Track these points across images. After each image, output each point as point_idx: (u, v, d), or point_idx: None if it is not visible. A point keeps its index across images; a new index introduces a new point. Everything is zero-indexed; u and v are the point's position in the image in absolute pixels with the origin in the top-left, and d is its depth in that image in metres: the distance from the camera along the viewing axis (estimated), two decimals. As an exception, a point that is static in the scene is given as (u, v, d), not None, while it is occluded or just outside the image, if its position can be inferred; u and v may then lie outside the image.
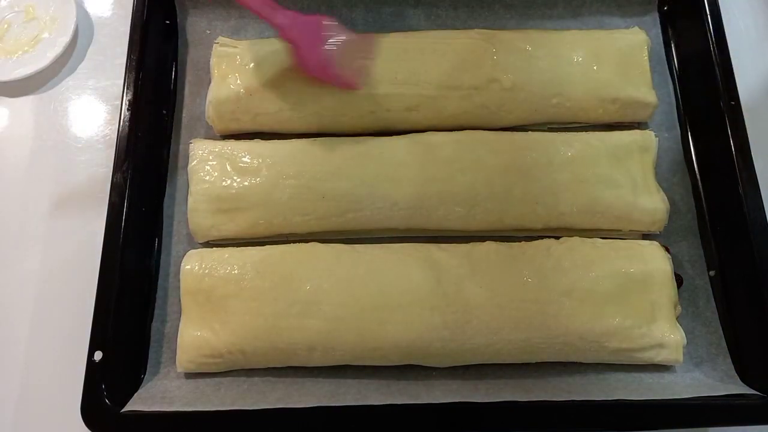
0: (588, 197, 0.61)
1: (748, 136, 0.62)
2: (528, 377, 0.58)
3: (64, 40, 0.72)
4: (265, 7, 0.58)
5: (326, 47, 0.60)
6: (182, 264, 0.60)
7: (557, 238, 0.61)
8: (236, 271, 0.59)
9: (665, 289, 0.58)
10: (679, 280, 0.61)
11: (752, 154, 0.61)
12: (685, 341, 0.58)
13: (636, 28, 0.69)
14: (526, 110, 0.66)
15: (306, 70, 0.61)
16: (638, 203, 0.62)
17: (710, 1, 0.67)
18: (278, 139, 0.65)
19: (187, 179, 0.64)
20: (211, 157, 0.63)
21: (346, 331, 0.57)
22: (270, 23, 0.59)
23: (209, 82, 0.67)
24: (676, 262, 0.62)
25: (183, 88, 0.70)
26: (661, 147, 0.66)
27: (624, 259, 0.59)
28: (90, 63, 0.74)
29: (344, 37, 0.61)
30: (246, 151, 0.63)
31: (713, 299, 0.62)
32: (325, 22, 0.60)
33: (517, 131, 0.65)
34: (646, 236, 0.64)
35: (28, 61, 0.72)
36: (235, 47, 0.67)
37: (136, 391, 0.57)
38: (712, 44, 0.65)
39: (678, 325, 0.59)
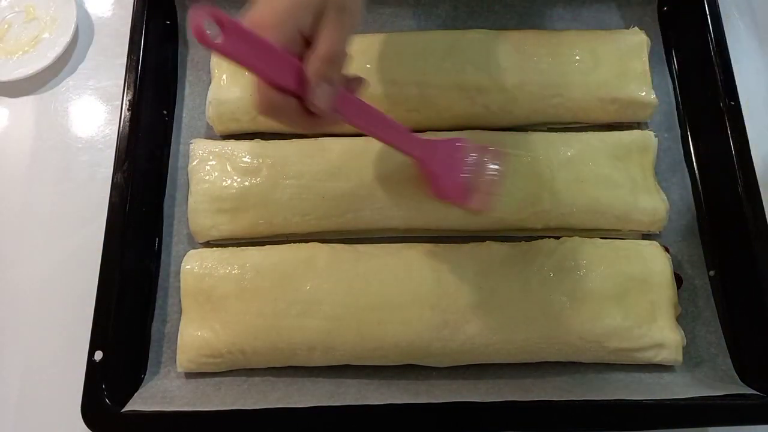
0: (588, 197, 0.61)
1: (748, 136, 0.62)
2: (528, 377, 0.58)
3: (65, 40, 0.72)
4: (401, 140, 0.54)
5: (464, 174, 0.57)
6: (182, 264, 0.60)
7: (557, 238, 0.61)
8: (236, 271, 0.59)
9: (665, 289, 0.58)
10: (678, 280, 0.61)
11: (752, 154, 0.61)
12: (685, 341, 0.58)
13: (636, 29, 0.69)
14: (526, 110, 0.66)
15: (443, 198, 0.58)
16: (638, 203, 0.62)
17: (710, 2, 0.67)
18: (278, 139, 0.65)
19: (188, 179, 0.64)
20: (211, 157, 0.63)
21: (346, 331, 0.57)
22: (409, 155, 0.55)
23: (209, 82, 0.67)
24: (676, 262, 0.62)
25: (183, 88, 0.70)
26: (661, 147, 0.66)
27: (624, 259, 0.59)
28: (90, 63, 0.74)
29: (477, 157, 0.58)
30: (246, 151, 0.63)
31: (713, 299, 0.62)
32: (459, 144, 0.58)
33: (517, 131, 0.65)
34: (645, 236, 0.64)
35: (29, 61, 0.72)
36: (236, 47, 0.67)
37: (136, 391, 0.57)
38: (712, 44, 0.65)
39: (678, 325, 0.59)
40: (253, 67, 0.41)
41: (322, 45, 0.43)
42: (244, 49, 0.40)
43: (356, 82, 0.50)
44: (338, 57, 0.45)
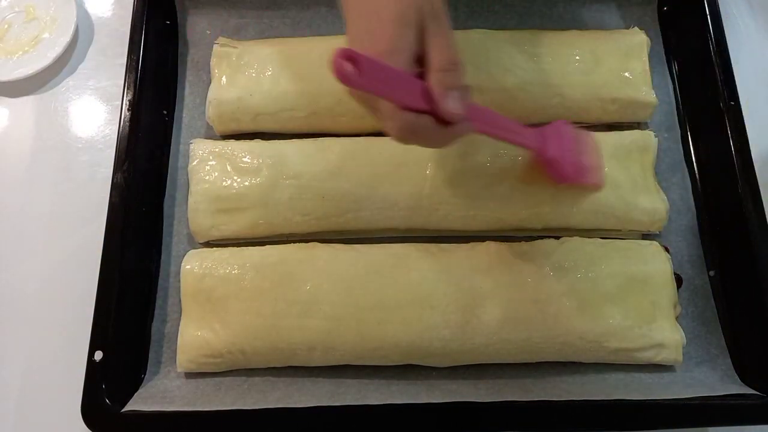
0: (588, 197, 0.61)
1: (748, 136, 0.62)
2: (528, 377, 0.58)
3: (65, 40, 0.72)
4: (518, 135, 0.56)
5: (576, 154, 0.59)
6: (182, 264, 0.60)
7: (557, 238, 0.61)
8: (236, 271, 0.59)
9: (665, 289, 0.58)
10: (678, 280, 0.61)
11: (752, 154, 0.61)
12: (685, 341, 0.58)
13: (636, 29, 0.69)
14: (526, 110, 0.66)
15: (565, 181, 0.59)
16: (638, 203, 0.62)
17: (710, 1, 0.67)
18: (278, 139, 0.65)
19: (188, 179, 0.64)
20: (211, 157, 0.63)
21: (346, 331, 0.57)
22: (526, 148, 0.57)
23: (209, 82, 0.67)
24: (676, 262, 0.62)
25: (183, 88, 0.70)
26: (661, 147, 0.66)
27: (624, 259, 0.59)
28: (90, 63, 0.74)
29: (577, 136, 0.60)
30: (246, 151, 0.63)
31: (713, 299, 0.62)
32: (563, 127, 0.59)
33: (517, 131, 0.65)
34: (645, 236, 0.64)
35: (29, 61, 0.72)
36: (235, 47, 0.67)
37: (136, 391, 0.57)
38: (712, 44, 0.65)
39: (678, 325, 0.59)
40: (389, 94, 0.43)
41: (437, 56, 0.44)
42: (379, 80, 0.42)
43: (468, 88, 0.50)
44: (455, 63, 0.45)
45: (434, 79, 0.44)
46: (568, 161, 0.58)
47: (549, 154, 0.57)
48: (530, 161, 0.61)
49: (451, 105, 0.44)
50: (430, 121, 0.45)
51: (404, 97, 0.43)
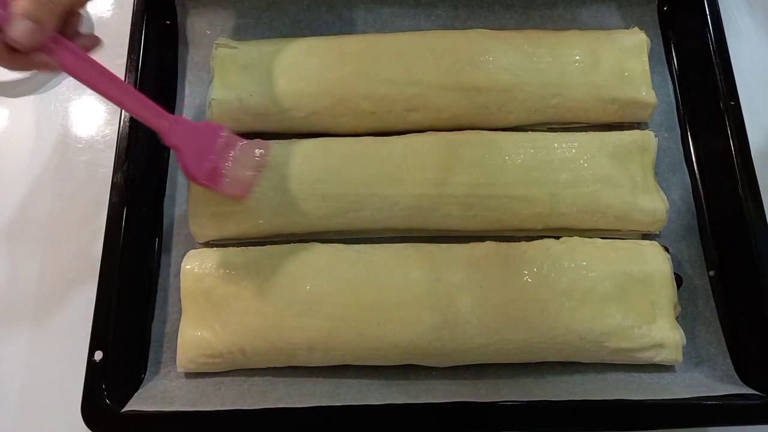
0: (588, 197, 0.61)
1: (748, 136, 0.62)
2: (528, 377, 0.58)
3: (65, 40, 0.72)
4: (147, 112, 0.54)
5: (216, 158, 0.57)
6: (182, 264, 0.60)
7: (557, 238, 0.61)
8: (236, 271, 0.59)
9: (665, 289, 0.58)
10: (678, 280, 0.61)
11: (752, 154, 0.61)
12: (685, 341, 0.58)
13: (636, 29, 0.69)
14: (526, 110, 0.66)
15: (190, 178, 0.58)
16: (638, 203, 0.62)
17: (710, 1, 0.67)
18: (278, 139, 0.65)
19: (188, 179, 0.64)
20: (211, 157, 0.63)
21: (346, 331, 0.57)
22: (153, 128, 0.55)
23: (209, 82, 0.67)
24: (676, 262, 0.62)
25: (183, 88, 0.70)
26: (661, 147, 0.66)
27: (624, 259, 0.59)
28: (90, 63, 0.74)
29: (238, 147, 0.59)
30: (246, 151, 0.63)
31: (713, 299, 0.62)
32: (220, 131, 0.58)
33: (517, 131, 0.65)
34: (645, 236, 0.64)
35: (29, 61, 0.72)
36: (235, 47, 0.67)
37: (136, 391, 0.57)
38: (712, 44, 0.65)
39: (678, 325, 0.59)
40: None
41: None
42: None
43: (89, 39, 0.52)
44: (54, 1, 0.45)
45: (18, 3, 0.44)
46: (195, 159, 0.56)
47: (171, 142, 0.55)
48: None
49: (15, 31, 0.44)
50: None
51: None
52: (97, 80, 0.52)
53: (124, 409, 0.54)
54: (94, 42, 0.54)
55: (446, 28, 0.71)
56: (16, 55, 0.46)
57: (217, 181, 0.57)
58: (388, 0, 0.73)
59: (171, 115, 0.56)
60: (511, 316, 0.57)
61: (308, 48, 0.67)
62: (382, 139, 0.64)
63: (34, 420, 0.61)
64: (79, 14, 0.51)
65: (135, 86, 0.64)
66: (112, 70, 0.72)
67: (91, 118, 0.72)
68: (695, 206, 0.66)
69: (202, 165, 0.56)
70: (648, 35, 0.68)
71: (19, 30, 0.44)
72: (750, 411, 0.54)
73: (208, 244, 0.64)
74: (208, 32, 0.72)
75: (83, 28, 0.52)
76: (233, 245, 0.62)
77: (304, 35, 0.71)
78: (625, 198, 0.62)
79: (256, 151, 0.60)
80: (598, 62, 0.66)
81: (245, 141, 0.60)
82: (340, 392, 0.57)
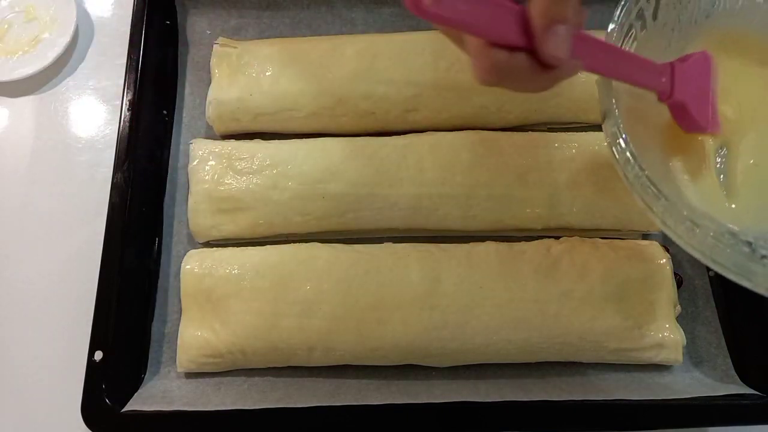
0: (587, 197, 0.61)
1: (748, 136, 0.62)
2: (528, 377, 0.58)
3: (65, 40, 0.72)
4: (644, 74, 0.45)
5: (711, 95, 0.48)
6: (182, 264, 0.60)
7: (557, 238, 0.61)
8: (236, 271, 0.59)
9: (665, 289, 0.58)
10: (678, 280, 0.61)
11: (752, 154, 0.61)
12: (685, 341, 0.58)
13: (636, 29, 0.69)
14: (526, 110, 0.66)
15: (694, 131, 0.49)
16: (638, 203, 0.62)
17: None
18: (278, 139, 0.65)
19: (188, 179, 0.64)
20: (211, 157, 0.63)
21: (345, 331, 0.57)
22: (647, 89, 0.46)
23: (209, 82, 0.67)
24: (676, 262, 0.62)
25: (183, 88, 0.70)
26: (661, 147, 0.66)
27: (624, 259, 0.59)
28: (90, 63, 0.74)
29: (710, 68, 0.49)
30: (246, 151, 0.63)
31: (713, 299, 0.62)
32: (707, 61, 0.48)
33: (517, 131, 0.65)
34: (645, 236, 0.64)
35: (29, 62, 0.72)
36: (235, 47, 0.67)
37: (136, 391, 0.57)
38: (712, 44, 0.65)
39: (678, 325, 0.59)
40: (474, 27, 0.34)
41: None
42: (462, 9, 0.33)
43: (581, 11, 0.38)
44: None
45: (536, 8, 0.34)
46: (700, 109, 0.47)
47: (675, 98, 0.46)
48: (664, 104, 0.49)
49: (553, 46, 0.35)
50: (525, 60, 0.35)
51: (494, 30, 0.34)
52: (606, 61, 0.42)
53: (124, 409, 0.54)
54: (584, 14, 0.39)
55: (446, 28, 0.71)
56: (550, 74, 0.37)
57: (715, 123, 0.48)
58: (388, 0, 0.73)
59: (671, 66, 0.46)
60: (511, 316, 0.57)
61: (308, 48, 0.67)
62: (381, 139, 0.64)
63: (34, 420, 0.61)
64: None
65: (135, 86, 0.64)
66: (111, 71, 0.73)
67: (91, 118, 0.72)
68: (695, 206, 0.66)
69: (706, 110, 0.47)
70: (648, 35, 0.68)
71: (556, 40, 0.35)
72: (750, 411, 0.54)
73: (208, 244, 0.64)
74: (208, 32, 0.72)
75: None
76: (233, 245, 0.62)
77: (304, 35, 0.72)
78: (624, 198, 0.62)
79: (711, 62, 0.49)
80: (598, 62, 0.66)
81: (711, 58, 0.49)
82: (340, 392, 0.57)
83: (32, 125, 0.71)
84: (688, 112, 0.47)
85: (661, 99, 0.47)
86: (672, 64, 0.47)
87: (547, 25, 0.34)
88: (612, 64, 0.43)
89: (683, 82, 0.46)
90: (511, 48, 0.35)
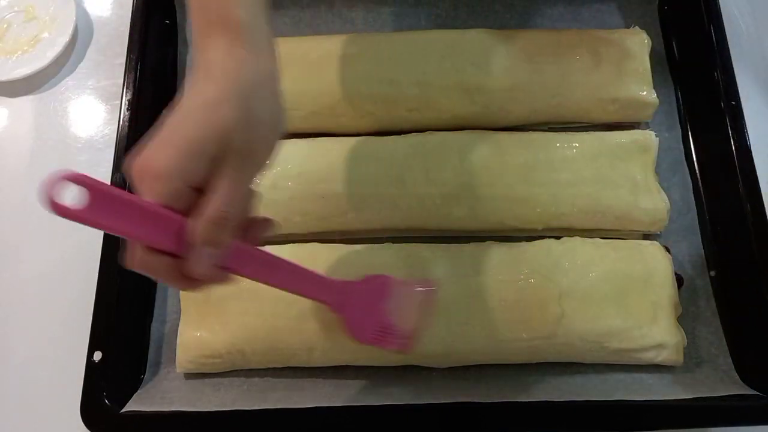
0: (588, 197, 0.61)
1: (748, 136, 0.62)
2: (528, 377, 0.58)
3: (64, 39, 0.72)
4: (309, 287, 0.50)
5: (382, 316, 0.54)
6: (182, 264, 0.60)
7: (558, 238, 0.61)
8: (236, 271, 0.59)
9: (666, 290, 0.58)
10: (679, 281, 0.60)
11: (752, 154, 0.61)
12: (686, 341, 0.58)
13: (636, 28, 0.69)
14: (526, 110, 0.66)
15: (355, 340, 0.55)
16: (639, 203, 0.62)
17: (710, 1, 0.67)
18: (278, 139, 0.65)
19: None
20: (210, 157, 0.63)
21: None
22: (318, 302, 0.52)
23: (209, 82, 0.67)
24: (677, 262, 0.62)
25: (183, 88, 0.70)
26: (662, 147, 0.66)
27: (624, 260, 0.59)
28: (90, 63, 0.74)
29: (402, 295, 0.55)
30: (246, 151, 0.63)
31: (714, 299, 0.62)
32: (381, 284, 0.55)
33: (517, 131, 0.65)
34: (646, 236, 0.64)
35: (28, 61, 0.72)
36: (235, 47, 0.67)
37: (135, 391, 0.57)
38: (713, 44, 0.65)
39: (678, 325, 0.58)
40: (121, 231, 0.36)
41: (213, 204, 0.37)
42: (111, 213, 0.35)
43: (261, 225, 0.43)
44: (232, 216, 0.38)
45: (195, 228, 0.37)
46: (363, 324, 0.54)
47: (340, 313, 0.53)
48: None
49: (196, 264, 0.37)
50: (169, 265, 0.38)
51: (146, 235, 0.36)
52: (268, 274, 0.46)
53: (124, 410, 0.54)
54: (266, 226, 0.44)
55: (446, 28, 0.71)
56: (193, 281, 0.39)
57: (384, 339, 0.54)
58: (388, 0, 0.73)
59: (337, 283, 0.53)
60: (511, 316, 0.57)
61: (308, 48, 0.67)
62: (382, 139, 0.64)
63: (34, 420, 0.60)
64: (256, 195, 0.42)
65: (134, 86, 0.63)
66: (111, 70, 0.73)
67: (91, 118, 0.72)
68: (696, 206, 0.66)
69: (366, 326, 0.54)
70: (649, 35, 0.68)
71: (203, 261, 0.37)
72: (750, 411, 0.54)
73: (208, 244, 0.63)
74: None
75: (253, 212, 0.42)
76: (233, 245, 0.62)
77: (304, 35, 0.71)
78: (625, 198, 0.62)
79: (418, 290, 0.56)
80: (598, 62, 0.66)
81: (407, 282, 0.56)
82: (339, 393, 0.57)
83: (31, 125, 0.71)
84: (349, 327, 0.54)
85: (331, 310, 0.53)
86: (345, 283, 0.53)
87: (197, 244, 0.37)
88: (278, 276, 0.47)
89: (352, 300, 0.53)
90: (162, 251, 0.37)
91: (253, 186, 0.41)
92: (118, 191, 0.35)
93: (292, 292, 0.49)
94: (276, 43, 0.44)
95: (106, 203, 0.34)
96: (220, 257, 0.38)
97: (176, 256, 0.38)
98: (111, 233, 0.37)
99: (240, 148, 0.38)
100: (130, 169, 0.36)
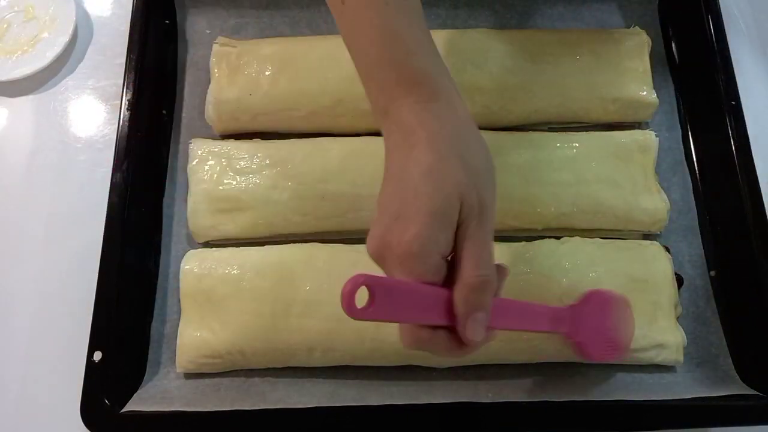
0: (588, 197, 0.61)
1: (749, 136, 0.62)
2: (528, 377, 0.58)
3: (64, 39, 0.72)
4: (548, 322, 0.49)
5: (609, 332, 0.54)
6: (182, 264, 0.60)
7: (558, 238, 0.61)
8: (236, 272, 0.59)
9: (666, 290, 0.58)
10: (679, 281, 0.61)
11: (752, 154, 0.61)
12: (686, 341, 0.58)
13: (636, 28, 0.69)
14: (527, 110, 0.66)
15: (590, 359, 0.54)
16: (639, 203, 0.62)
17: (711, 1, 0.67)
18: (278, 139, 0.65)
19: (187, 179, 0.64)
20: (210, 157, 0.63)
21: (345, 332, 0.57)
22: (551, 333, 0.51)
23: (209, 82, 0.67)
24: (677, 262, 0.62)
25: (183, 88, 0.70)
26: (662, 147, 0.66)
27: (624, 260, 0.59)
28: (89, 63, 0.74)
29: (618, 310, 0.55)
30: (246, 151, 0.63)
31: (714, 299, 0.62)
32: (601, 298, 0.54)
33: (518, 131, 0.65)
34: (646, 236, 0.64)
35: (28, 61, 0.72)
36: (235, 47, 0.67)
37: (135, 391, 0.57)
38: (713, 44, 0.65)
39: (678, 325, 0.58)
40: (404, 318, 0.37)
41: (470, 268, 0.37)
42: (395, 305, 0.36)
43: (501, 273, 0.42)
44: (488, 280, 0.38)
45: (460, 296, 0.37)
46: (597, 341, 0.53)
47: (577, 338, 0.52)
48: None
49: (472, 332, 0.38)
50: (445, 338, 0.38)
51: (421, 316, 0.37)
52: (517, 320, 0.46)
53: (123, 410, 0.54)
54: (504, 273, 0.43)
55: (447, 28, 0.70)
56: (464, 347, 0.39)
57: (613, 352, 0.54)
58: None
59: (566, 310, 0.51)
60: (511, 316, 0.57)
61: (308, 47, 0.67)
62: (381, 139, 0.64)
63: (34, 420, 0.60)
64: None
65: (134, 86, 0.63)
66: (111, 70, 0.73)
67: (90, 118, 0.71)
68: (696, 206, 0.66)
69: (600, 345, 0.53)
70: (649, 35, 0.68)
71: (474, 327, 0.37)
72: (751, 411, 0.54)
73: (208, 244, 0.63)
74: (208, 32, 0.72)
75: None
76: (233, 245, 0.62)
77: (304, 34, 0.71)
78: (626, 198, 0.62)
79: (627, 301, 0.56)
80: (599, 62, 0.66)
81: (615, 297, 0.55)
82: (339, 393, 0.57)
83: (31, 125, 0.71)
84: (584, 350, 0.53)
85: (566, 338, 0.52)
86: (572, 308, 0.52)
87: (468, 313, 0.37)
88: (520, 320, 0.47)
89: (582, 323, 0.52)
90: (435, 327, 0.38)
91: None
92: (394, 282, 0.37)
93: (531, 330, 0.49)
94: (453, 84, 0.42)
95: (387, 296, 0.35)
96: (488, 319, 0.39)
97: (444, 327, 0.38)
98: (392, 321, 0.37)
99: (475, 206, 0.38)
100: (376, 254, 0.37)
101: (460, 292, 0.37)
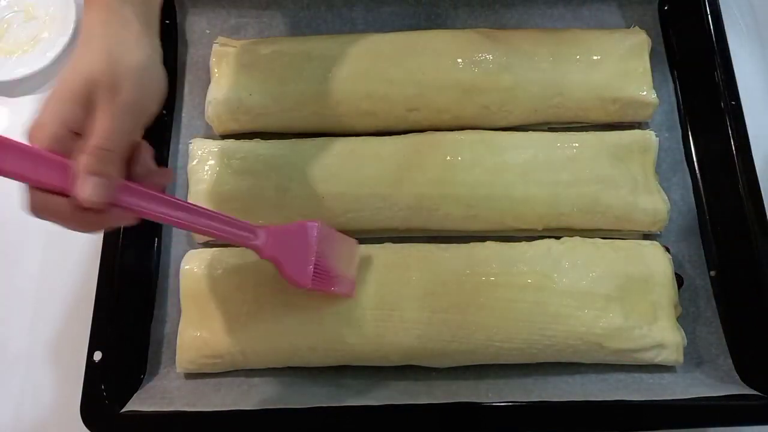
0: (588, 197, 0.61)
1: (749, 136, 0.62)
2: (528, 378, 0.58)
3: (64, 39, 0.72)
4: (234, 232, 0.50)
5: (316, 258, 0.53)
6: (182, 264, 0.60)
7: (557, 238, 0.61)
8: (236, 272, 0.59)
9: (666, 290, 0.58)
10: (679, 281, 0.60)
11: (752, 153, 0.61)
12: (686, 342, 0.58)
13: (636, 28, 0.69)
14: (526, 110, 0.66)
15: (298, 287, 0.53)
16: (639, 203, 0.62)
17: (711, 1, 0.67)
18: (278, 139, 0.65)
19: (187, 179, 0.64)
20: (210, 157, 0.63)
21: (345, 332, 0.57)
22: (245, 246, 0.52)
23: (209, 82, 0.67)
24: (677, 262, 0.62)
25: (183, 88, 0.70)
26: (662, 147, 0.66)
27: (624, 260, 0.59)
28: (89, 63, 0.74)
29: (333, 242, 0.55)
30: (245, 151, 0.63)
31: (714, 299, 0.62)
32: (313, 229, 0.54)
33: (517, 131, 0.65)
34: (646, 236, 0.64)
35: (28, 61, 0.72)
36: (235, 47, 0.67)
37: (135, 391, 0.57)
38: (713, 44, 0.65)
39: (678, 325, 0.58)
40: (14, 175, 0.41)
41: (91, 138, 0.41)
42: (18, 164, 0.40)
43: (161, 175, 0.46)
44: (113, 148, 0.41)
45: (79, 161, 0.40)
46: (304, 266, 0.53)
47: (267, 255, 0.52)
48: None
49: (85, 191, 0.40)
50: (65, 204, 0.41)
51: (37, 177, 0.40)
52: (178, 217, 0.46)
53: (124, 410, 0.54)
54: (167, 177, 0.49)
55: (446, 28, 0.71)
56: (89, 216, 0.42)
57: (326, 282, 0.54)
58: (388, 0, 0.73)
59: (260, 228, 0.52)
60: (511, 316, 0.57)
61: (308, 47, 0.67)
62: (382, 139, 0.64)
63: (34, 420, 0.60)
64: (147, 148, 0.45)
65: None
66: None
67: (91, 118, 0.71)
68: (696, 206, 0.66)
69: (305, 270, 0.53)
70: (649, 35, 0.68)
71: (88, 189, 0.40)
72: (751, 411, 0.54)
73: (208, 245, 0.63)
74: (208, 32, 0.72)
75: (150, 162, 0.45)
76: (232, 245, 0.62)
77: (304, 34, 0.71)
78: (625, 198, 0.62)
79: (346, 243, 0.57)
80: (598, 62, 0.66)
81: (330, 231, 0.56)
82: (340, 393, 0.57)
83: (31, 125, 0.71)
84: (283, 271, 0.53)
85: (258, 254, 0.52)
86: (269, 228, 0.52)
87: (82, 174, 0.40)
88: (183, 216, 0.47)
89: (278, 243, 0.52)
90: (54, 191, 0.41)
91: (137, 131, 0.44)
92: (6, 139, 0.40)
93: (207, 233, 0.48)
94: (157, 15, 0.52)
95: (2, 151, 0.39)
96: (107, 188, 0.41)
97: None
98: (7, 177, 0.41)
99: (107, 87, 0.41)
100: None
101: (79, 158, 0.41)
